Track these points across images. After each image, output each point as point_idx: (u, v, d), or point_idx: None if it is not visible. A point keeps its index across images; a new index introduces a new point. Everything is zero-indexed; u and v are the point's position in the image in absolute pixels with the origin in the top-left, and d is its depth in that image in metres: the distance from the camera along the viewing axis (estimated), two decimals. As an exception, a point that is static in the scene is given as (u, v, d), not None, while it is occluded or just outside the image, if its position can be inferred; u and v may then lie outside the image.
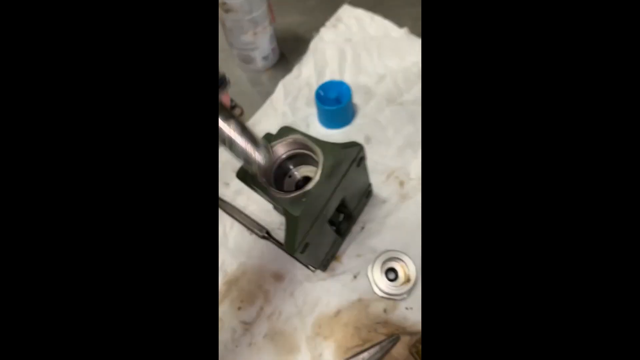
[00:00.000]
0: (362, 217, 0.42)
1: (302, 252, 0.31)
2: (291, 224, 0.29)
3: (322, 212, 0.31)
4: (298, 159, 0.32)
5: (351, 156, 0.31)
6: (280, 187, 0.31)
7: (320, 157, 0.29)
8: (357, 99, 0.49)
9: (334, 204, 0.32)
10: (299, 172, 0.33)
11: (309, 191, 0.28)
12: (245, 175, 0.31)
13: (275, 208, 0.42)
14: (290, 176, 0.33)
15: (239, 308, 0.39)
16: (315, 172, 0.28)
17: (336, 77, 0.51)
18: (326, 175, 0.28)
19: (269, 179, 0.30)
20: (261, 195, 0.34)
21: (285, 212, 0.28)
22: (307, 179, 0.30)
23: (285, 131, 0.31)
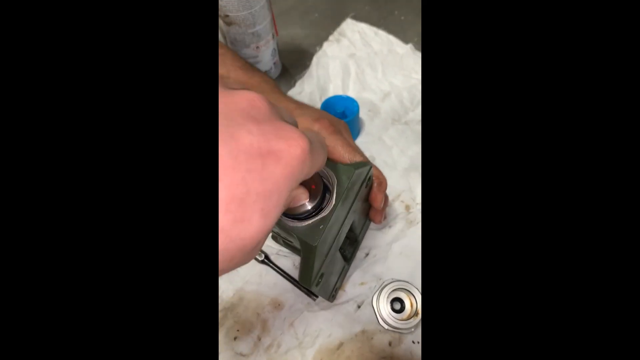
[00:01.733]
0: (367, 243, 0.40)
1: (317, 285, 0.29)
2: (309, 255, 0.26)
3: (336, 238, 0.29)
4: (305, 182, 0.30)
5: (362, 177, 0.29)
6: (286, 214, 0.29)
7: (333, 179, 0.27)
8: (361, 114, 0.47)
9: (346, 229, 0.31)
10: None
11: (326, 217, 0.25)
12: None
13: (275, 238, 0.40)
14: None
15: (235, 338, 0.37)
16: (330, 197, 0.26)
17: (340, 93, 0.49)
18: (342, 199, 0.26)
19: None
20: None
21: (301, 243, 0.26)
22: (318, 205, 0.27)
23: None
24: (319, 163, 0.20)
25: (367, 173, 0.30)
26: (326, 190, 0.27)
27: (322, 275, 0.29)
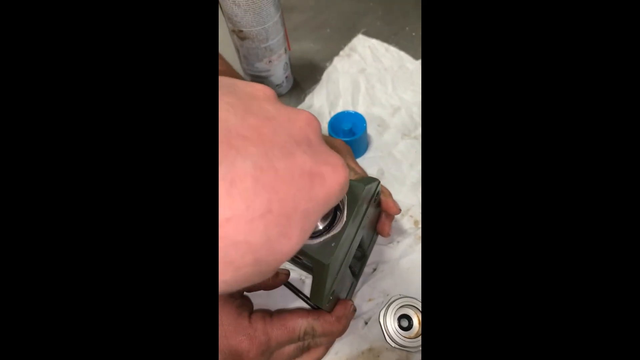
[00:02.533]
0: (374, 258, 0.39)
1: (328, 303, 0.28)
2: (321, 273, 0.26)
3: (347, 255, 0.28)
4: None
5: (371, 192, 0.29)
6: None
7: (344, 197, 0.26)
8: (370, 130, 0.48)
9: (356, 245, 0.30)
10: None
11: (338, 234, 0.25)
12: None
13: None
14: None
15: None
16: (341, 214, 0.26)
17: (349, 108, 0.50)
18: (353, 215, 0.26)
19: None
20: None
21: (313, 261, 0.26)
22: (329, 223, 0.27)
23: None
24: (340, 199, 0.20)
25: (376, 188, 0.30)
26: (337, 208, 0.27)
27: (333, 292, 0.28)
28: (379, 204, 0.34)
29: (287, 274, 0.36)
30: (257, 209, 0.14)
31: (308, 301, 0.38)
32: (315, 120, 0.19)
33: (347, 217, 0.26)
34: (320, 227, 0.27)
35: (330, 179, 0.17)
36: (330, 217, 0.26)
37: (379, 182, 0.30)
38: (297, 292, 0.38)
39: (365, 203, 0.28)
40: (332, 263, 0.25)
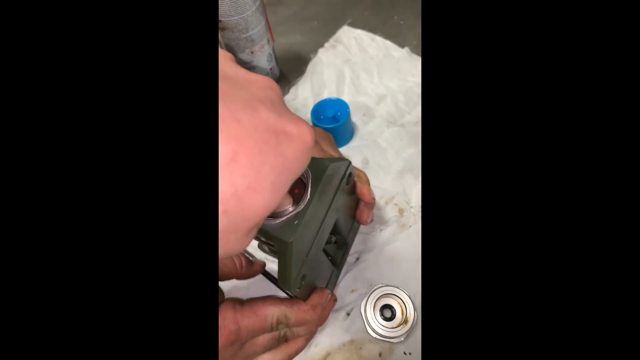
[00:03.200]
0: (357, 247, 0.38)
1: (299, 288, 0.27)
2: (285, 253, 0.25)
3: (316, 237, 0.27)
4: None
5: (340, 172, 0.28)
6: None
7: (307, 173, 0.25)
8: (355, 119, 0.47)
9: (328, 228, 0.29)
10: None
11: (301, 212, 0.24)
12: None
13: (260, 247, 0.39)
14: None
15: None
16: (305, 191, 0.25)
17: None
18: (318, 193, 0.25)
19: None
20: None
21: (275, 241, 0.25)
22: (294, 202, 0.26)
23: None
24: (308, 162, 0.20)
25: (346, 169, 0.29)
26: (301, 186, 0.26)
27: (304, 277, 0.27)
28: (354, 189, 0.33)
29: (263, 265, 0.35)
30: (221, 157, 0.14)
31: (286, 292, 0.37)
32: (276, 84, 0.18)
33: (310, 194, 0.25)
34: (288, 208, 0.26)
35: (297, 139, 0.17)
36: (299, 198, 0.25)
37: (350, 162, 0.29)
38: (275, 282, 0.37)
39: (333, 182, 0.27)
40: (296, 241, 0.24)
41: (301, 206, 0.24)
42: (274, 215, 0.29)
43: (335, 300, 0.33)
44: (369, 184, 0.34)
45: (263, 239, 0.32)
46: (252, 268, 0.34)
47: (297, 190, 0.27)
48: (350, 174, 0.30)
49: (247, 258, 0.33)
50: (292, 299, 0.30)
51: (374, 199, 0.34)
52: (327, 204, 0.27)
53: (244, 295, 0.38)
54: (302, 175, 0.26)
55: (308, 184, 0.25)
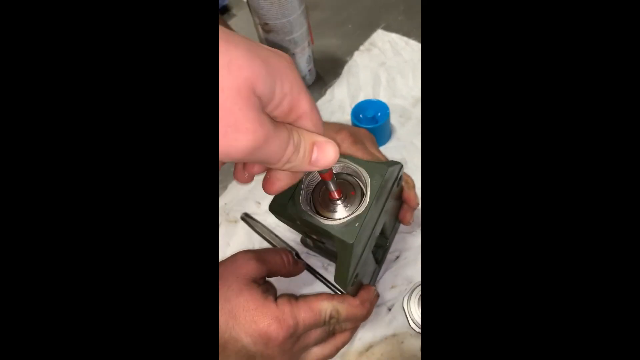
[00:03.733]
0: (397, 246, 0.39)
1: (352, 285, 0.28)
2: (345, 254, 0.26)
3: (370, 238, 0.28)
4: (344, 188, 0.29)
5: (394, 175, 0.29)
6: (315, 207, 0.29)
7: (366, 177, 0.27)
8: (393, 120, 0.48)
9: (379, 229, 0.30)
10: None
11: (361, 215, 0.25)
12: (281, 208, 0.27)
13: (303, 242, 0.40)
14: (322, 192, 0.30)
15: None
16: (364, 195, 0.26)
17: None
18: (376, 196, 0.26)
19: (311, 207, 0.28)
20: (297, 227, 0.32)
21: (337, 241, 0.26)
22: (354, 204, 0.27)
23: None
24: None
25: (399, 172, 0.30)
26: (360, 189, 0.27)
27: (356, 275, 0.28)
28: (401, 191, 0.34)
29: (306, 265, 0.36)
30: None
31: (331, 286, 0.38)
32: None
33: (370, 197, 0.26)
34: (345, 211, 0.27)
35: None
36: (354, 200, 0.27)
37: (402, 165, 0.30)
38: (319, 277, 0.39)
39: (388, 185, 0.29)
40: (356, 243, 0.25)
41: (361, 209, 0.26)
42: (323, 206, 0.30)
43: (378, 295, 0.35)
44: (415, 189, 0.35)
45: (314, 237, 0.33)
46: (297, 266, 0.35)
47: (353, 192, 0.28)
48: (400, 177, 0.31)
49: (293, 257, 0.35)
50: (342, 294, 0.31)
51: (418, 203, 0.35)
52: (381, 207, 0.28)
53: (286, 288, 0.39)
54: (361, 179, 0.27)
55: (367, 187, 0.26)
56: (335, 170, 0.29)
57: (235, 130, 0.16)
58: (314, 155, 0.20)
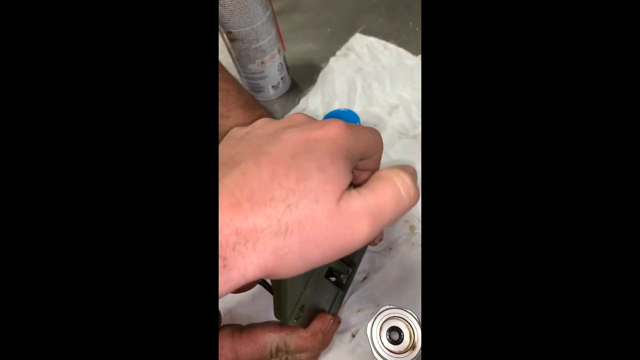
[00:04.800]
0: (364, 266, 0.37)
1: (297, 319, 0.26)
2: (279, 288, 0.24)
3: (314, 272, 0.26)
4: None
5: None
6: None
7: None
8: (366, 131, 0.45)
9: None
10: None
11: None
12: None
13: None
14: None
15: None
16: None
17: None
18: None
19: None
20: None
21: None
22: None
23: None
24: (364, 138, 0.21)
25: None
26: None
27: (302, 308, 0.26)
28: None
29: (263, 282, 0.34)
30: None
31: None
32: (298, 114, 0.22)
33: None
34: None
35: (324, 134, 0.19)
36: None
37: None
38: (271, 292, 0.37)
39: None
40: (290, 279, 0.23)
41: None
42: None
43: (339, 322, 0.32)
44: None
45: None
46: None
47: None
48: None
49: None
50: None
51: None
52: None
53: (248, 311, 0.37)
54: None
55: None
56: None
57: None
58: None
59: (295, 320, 0.26)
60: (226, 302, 0.38)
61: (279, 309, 0.25)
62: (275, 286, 0.24)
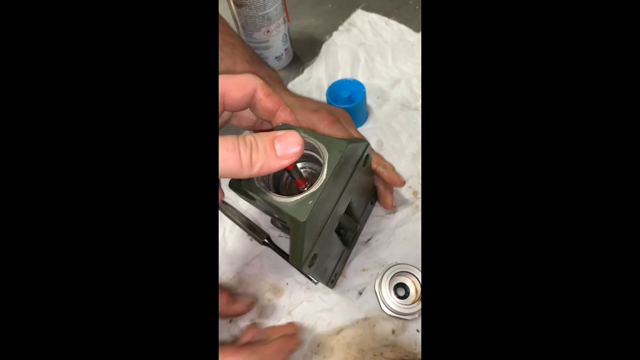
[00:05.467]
0: (370, 228, 0.38)
1: (310, 267, 0.27)
2: (298, 232, 0.25)
3: (330, 217, 0.27)
4: (300, 158, 0.29)
5: (358, 153, 0.28)
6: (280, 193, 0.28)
7: (324, 153, 0.25)
8: (370, 101, 0.46)
9: (342, 208, 0.29)
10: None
11: (315, 193, 0.24)
12: (239, 185, 0.26)
13: (273, 222, 0.38)
14: (289, 179, 0.29)
15: (230, 321, 0.36)
16: (321, 171, 0.25)
17: (349, 80, 0.48)
18: (334, 174, 0.25)
19: (268, 184, 0.27)
20: (258, 206, 0.31)
21: (289, 219, 0.25)
22: (311, 180, 0.26)
23: (282, 129, 0.28)
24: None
25: (364, 150, 0.28)
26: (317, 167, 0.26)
27: (315, 256, 0.27)
28: (370, 170, 0.33)
29: (250, 303, 0.34)
30: None
31: (286, 258, 0.37)
32: None
33: (326, 174, 0.24)
34: (303, 188, 0.26)
35: None
36: (310, 177, 0.25)
37: (368, 144, 0.29)
38: (281, 253, 0.37)
39: (350, 164, 0.27)
40: (310, 221, 0.24)
41: (316, 186, 0.24)
42: (284, 188, 0.29)
43: (298, 344, 0.31)
44: (395, 170, 0.35)
45: (276, 216, 0.32)
46: (235, 305, 0.33)
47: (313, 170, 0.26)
48: (367, 156, 0.29)
49: (230, 294, 0.33)
50: (252, 345, 0.28)
51: (404, 182, 0.35)
52: (342, 185, 0.27)
53: (257, 272, 0.38)
54: (319, 154, 0.26)
55: (325, 163, 0.25)
56: None
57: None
58: (278, 148, 0.22)
59: (308, 268, 0.27)
60: (235, 263, 0.38)
61: (295, 254, 0.25)
62: (293, 233, 0.25)
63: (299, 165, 0.29)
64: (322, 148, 0.25)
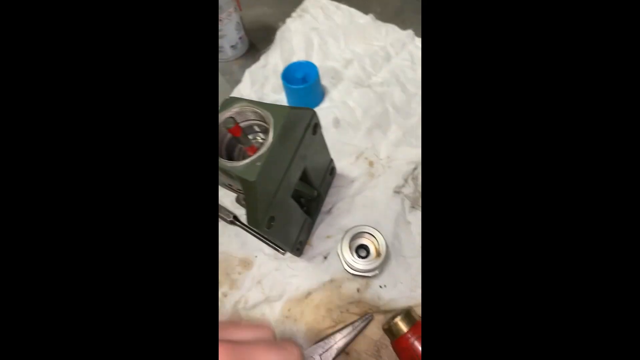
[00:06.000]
0: (331, 198, 0.40)
1: (268, 228, 0.29)
2: (250, 193, 0.26)
3: (283, 180, 0.29)
4: (249, 130, 0.30)
5: (304, 119, 0.30)
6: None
7: (270, 119, 0.27)
8: (325, 82, 0.49)
9: (295, 173, 0.31)
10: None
11: (263, 154, 0.26)
12: None
13: (238, 201, 0.40)
14: (241, 149, 0.31)
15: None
16: (266, 136, 0.27)
17: (304, 63, 0.50)
18: (279, 137, 0.27)
19: (221, 155, 0.28)
20: (220, 182, 0.32)
21: (241, 182, 0.26)
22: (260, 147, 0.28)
23: (231, 102, 0.29)
24: None
25: (311, 118, 0.31)
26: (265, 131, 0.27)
27: (272, 218, 0.29)
28: (323, 141, 0.35)
29: (239, 221, 0.35)
30: None
31: (263, 237, 0.39)
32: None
33: (272, 138, 0.26)
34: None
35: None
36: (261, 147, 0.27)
37: (314, 112, 0.31)
38: (254, 233, 0.39)
39: (297, 129, 0.29)
40: (260, 181, 0.26)
41: (263, 149, 0.26)
42: (237, 157, 0.30)
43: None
44: None
45: (229, 183, 0.33)
46: None
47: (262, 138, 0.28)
48: (316, 124, 0.31)
49: None
50: None
51: None
52: (292, 150, 0.29)
53: (224, 250, 0.39)
54: (264, 121, 0.28)
55: (270, 128, 0.27)
56: (240, 119, 0.29)
57: None
58: None
59: (267, 230, 0.29)
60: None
61: (252, 215, 0.27)
62: (247, 194, 0.27)
63: (250, 137, 0.31)
64: (267, 115, 0.27)
